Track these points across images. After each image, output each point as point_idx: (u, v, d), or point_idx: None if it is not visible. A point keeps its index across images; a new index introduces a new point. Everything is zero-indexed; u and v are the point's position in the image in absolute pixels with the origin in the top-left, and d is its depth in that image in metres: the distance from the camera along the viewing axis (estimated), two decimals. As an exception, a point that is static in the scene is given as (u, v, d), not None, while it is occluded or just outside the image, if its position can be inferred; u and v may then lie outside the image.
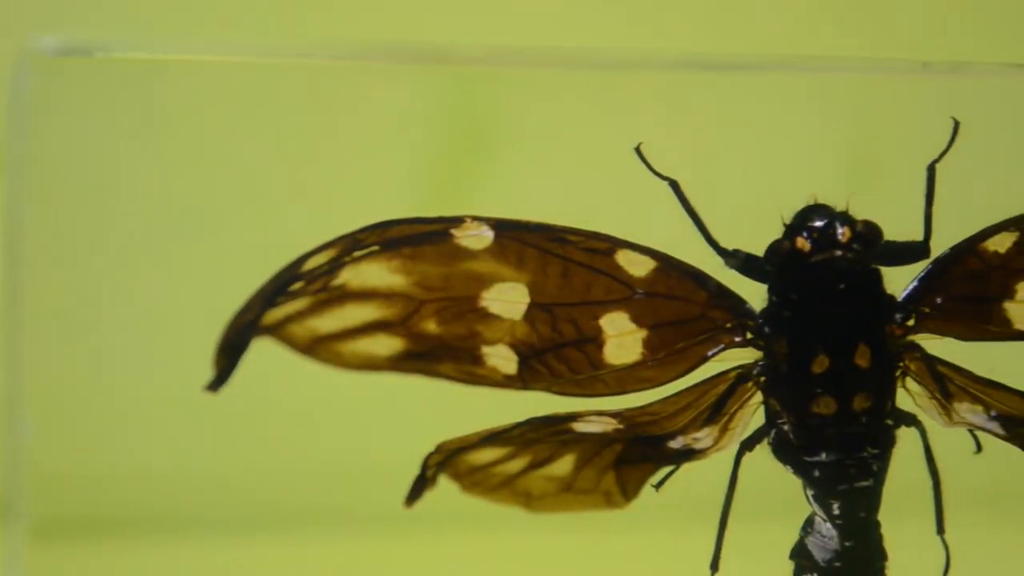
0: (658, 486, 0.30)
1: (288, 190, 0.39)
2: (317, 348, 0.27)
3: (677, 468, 0.30)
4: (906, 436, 0.30)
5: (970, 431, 0.31)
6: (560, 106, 0.34)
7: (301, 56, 0.32)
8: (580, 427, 0.29)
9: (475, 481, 0.29)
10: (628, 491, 0.29)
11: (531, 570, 0.36)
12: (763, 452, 0.30)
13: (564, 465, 0.29)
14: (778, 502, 0.30)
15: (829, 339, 0.29)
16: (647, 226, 0.29)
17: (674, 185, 0.29)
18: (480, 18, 0.48)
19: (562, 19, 0.49)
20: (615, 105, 0.33)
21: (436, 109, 0.37)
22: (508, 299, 0.28)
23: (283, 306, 0.27)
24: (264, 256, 0.27)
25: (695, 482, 0.30)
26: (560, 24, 0.48)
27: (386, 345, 0.27)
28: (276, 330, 0.27)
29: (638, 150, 0.29)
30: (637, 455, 0.29)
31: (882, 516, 0.30)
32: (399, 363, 0.27)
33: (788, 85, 0.33)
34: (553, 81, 0.34)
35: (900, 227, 0.30)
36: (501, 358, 0.28)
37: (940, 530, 0.31)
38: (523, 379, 0.28)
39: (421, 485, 0.28)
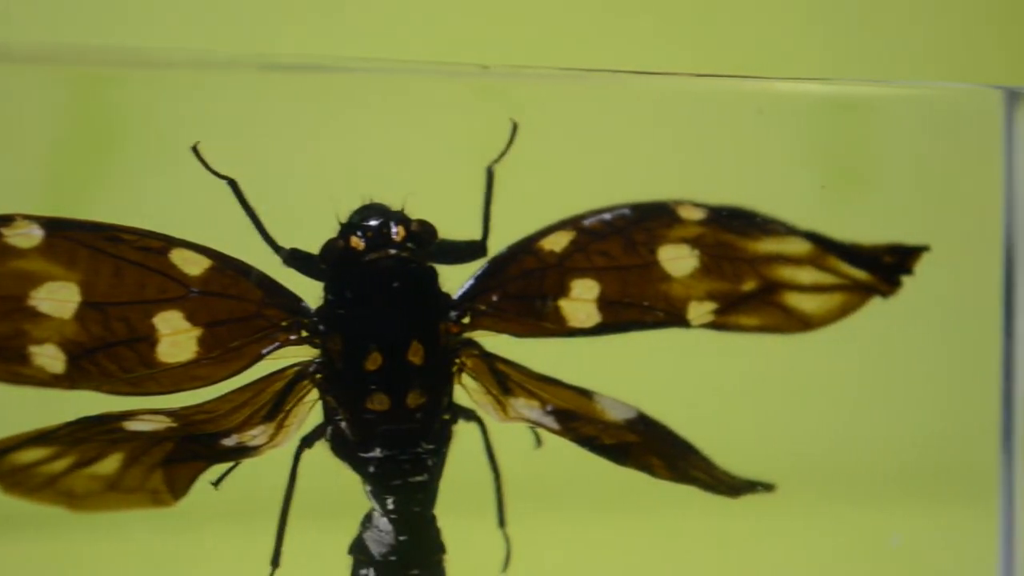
0: (217, 484, 0.32)
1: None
2: None
3: (236, 466, 0.32)
4: (469, 432, 0.33)
5: (531, 427, 0.33)
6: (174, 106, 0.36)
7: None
8: (132, 426, 0.30)
9: (16, 481, 0.29)
10: (177, 489, 0.31)
11: (94, 573, 0.37)
12: (325, 449, 0.32)
13: (111, 464, 0.30)
14: (341, 498, 0.32)
15: (382, 337, 0.31)
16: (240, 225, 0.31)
17: (232, 184, 0.31)
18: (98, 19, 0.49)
19: (162, 20, 0.50)
20: (187, 104, 0.35)
21: (57, 110, 0.37)
22: (57, 298, 0.29)
23: None
24: None
25: (258, 479, 0.32)
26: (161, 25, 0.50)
27: None
28: None
29: (195, 149, 0.31)
30: (187, 453, 0.31)
31: (444, 510, 0.32)
32: None
33: (348, 86, 0.35)
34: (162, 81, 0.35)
35: (462, 226, 0.32)
36: (48, 357, 0.29)
37: (501, 523, 0.34)
38: (71, 378, 0.29)
39: (-38, 487, 0.29)
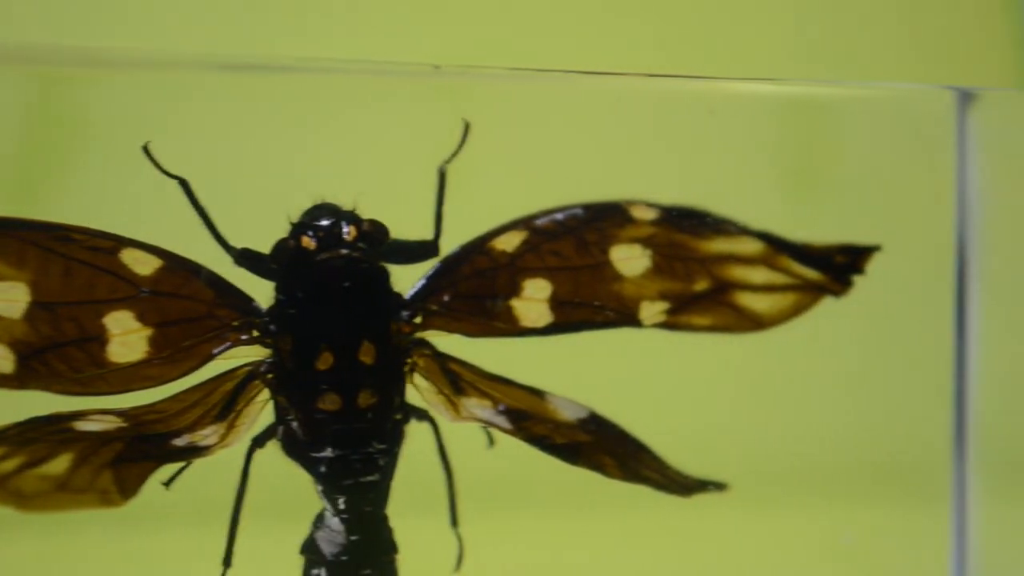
0: (168, 484, 0.32)
1: None
2: None
3: (187, 466, 0.32)
4: (421, 431, 0.33)
5: (483, 427, 0.34)
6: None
7: None
8: (82, 426, 0.30)
9: None
10: (126, 489, 0.31)
11: (43, 574, 0.38)
12: (277, 449, 0.32)
13: (60, 464, 0.30)
14: (292, 498, 0.32)
15: (333, 337, 0.31)
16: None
17: (184, 184, 0.31)
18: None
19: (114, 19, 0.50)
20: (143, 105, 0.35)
21: (16, 110, 0.37)
22: (6, 298, 0.29)
23: None
24: None
25: (210, 480, 0.32)
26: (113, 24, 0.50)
27: None
28: None
29: (145, 149, 0.31)
30: (138, 453, 0.31)
31: (397, 510, 0.33)
32: None
33: (300, 86, 0.35)
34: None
35: (414, 226, 0.32)
36: None
37: (453, 523, 0.34)
38: (20, 379, 0.29)
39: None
